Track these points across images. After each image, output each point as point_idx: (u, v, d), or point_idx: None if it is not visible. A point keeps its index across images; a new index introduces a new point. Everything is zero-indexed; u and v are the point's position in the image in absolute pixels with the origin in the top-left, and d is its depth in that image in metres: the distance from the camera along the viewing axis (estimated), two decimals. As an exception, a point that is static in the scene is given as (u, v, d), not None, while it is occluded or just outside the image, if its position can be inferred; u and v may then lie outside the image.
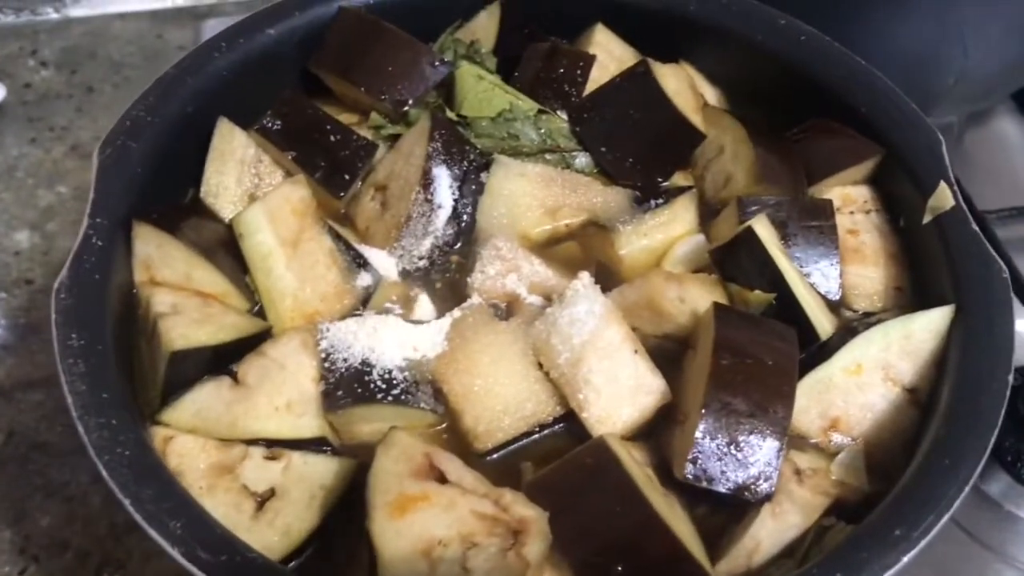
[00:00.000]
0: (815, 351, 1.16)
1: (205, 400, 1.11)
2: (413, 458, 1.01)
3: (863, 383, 1.13)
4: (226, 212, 1.31)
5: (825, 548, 1.01)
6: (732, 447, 1.02)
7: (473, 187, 1.32)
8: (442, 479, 1.00)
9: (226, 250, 1.26)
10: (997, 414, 1.03)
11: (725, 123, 1.37)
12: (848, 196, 1.33)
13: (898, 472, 1.06)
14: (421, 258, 1.29)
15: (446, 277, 1.30)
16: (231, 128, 1.35)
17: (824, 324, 1.17)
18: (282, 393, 1.12)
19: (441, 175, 1.29)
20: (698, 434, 1.02)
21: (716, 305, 1.13)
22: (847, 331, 1.19)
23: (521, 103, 1.39)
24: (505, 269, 1.25)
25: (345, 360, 1.14)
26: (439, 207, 1.29)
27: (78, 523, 1.35)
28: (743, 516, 1.06)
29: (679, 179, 1.40)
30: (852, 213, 1.32)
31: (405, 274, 1.30)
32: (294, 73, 1.45)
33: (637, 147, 1.38)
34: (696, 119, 1.38)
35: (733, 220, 1.25)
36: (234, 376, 1.13)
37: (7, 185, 1.77)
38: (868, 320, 1.21)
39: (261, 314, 1.23)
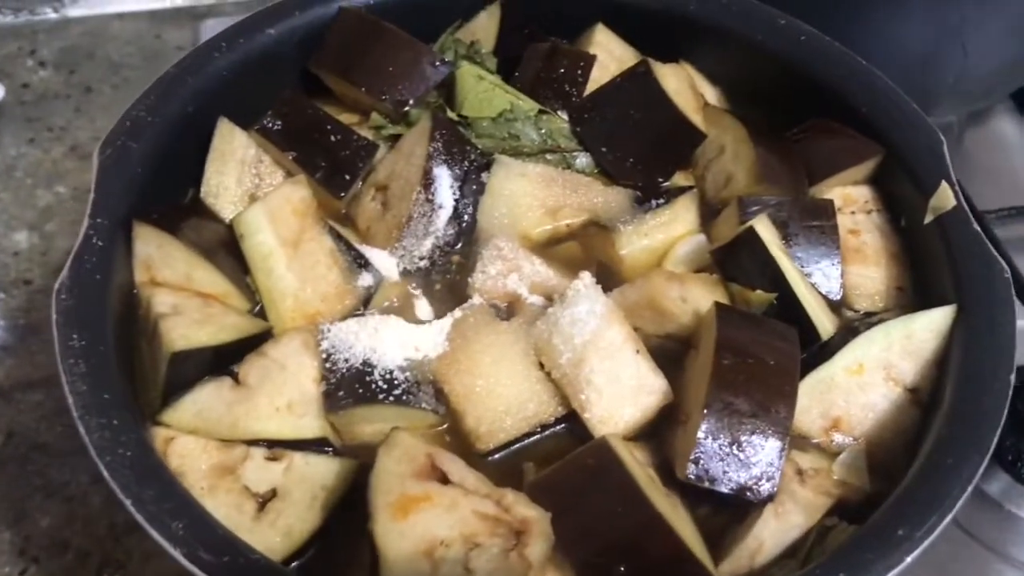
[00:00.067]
0: (816, 351, 1.16)
1: (206, 401, 1.11)
2: (415, 459, 1.01)
3: (864, 383, 1.13)
4: (227, 212, 1.31)
5: (827, 548, 1.01)
6: (734, 447, 1.02)
7: (474, 187, 1.32)
8: (444, 480, 1.00)
9: (227, 250, 1.25)
10: (999, 414, 1.03)
11: (726, 123, 1.37)
12: (849, 196, 1.33)
13: (900, 472, 1.06)
14: (422, 258, 1.29)
15: (447, 277, 1.30)
16: (231, 128, 1.34)
17: (825, 324, 1.17)
18: (283, 394, 1.12)
19: (442, 175, 1.29)
20: (700, 434, 1.02)
21: (718, 305, 1.13)
22: (848, 331, 1.19)
23: (522, 103, 1.39)
24: (506, 269, 1.25)
25: (346, 360, 1.14)
26: (440, 207, 1.28)
27: (78, 523, 1.35)
28: (745, 516, 1.06)
29: (680, 179, 1.40)
30: (853, 213, 1.32)
31: (406, 274, 1.29)
32: (294, 73, 1.45)
33: (638, 147, 1.38)
34: (697, 119, 1.38)
35: (734, 220, 1.25)
36: (235, 377, 1.13)
37: (6, 185, 1.77)
38: (869, 320, 1.21)
39: (262, 314, 1.23)
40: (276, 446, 1.10)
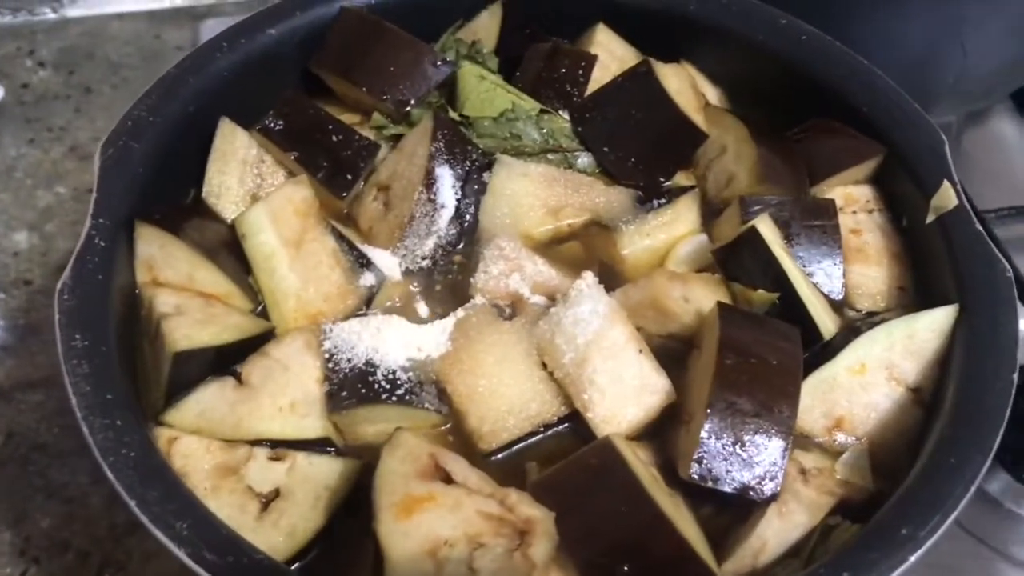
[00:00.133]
0: (818, 351, 1.16)
1: (209, 401, 1.11)
2: (419, 458, 1.01)
3: (867, 382, 1.14)
4: (228, 212, 1.31)
5: (831, 547, 1.01)
6: (737, 447, 1.02)
7: (476, 187, 1.32)
8: (448, 479, 1.00)
9: (229, 250, 1.25)
10: (1002, 413, 1.03)
11: (727, 123, 1.37)
12: (850, 196, 1.33)
13: (902, 471, 1.06)
14: (424, 258, 1.29)
15: (449, 277, 1.30)
16: (233, 128, 1.34)
17: (827, 324, 1.17)
18: (286, 394, 1.12)
19: (444, 175, 1.29)
20: (703, 434, 1.02)
21: (720, 305, 1.13)
22: (850, 331, 1.19)
23: (523, 103, 1.39)
24: (508, 269, 1.25)
25: (349, 360, 1.14)
26: (442, 207, 1.28)
27: (78, 524, 1.34)
28: (748, 516, 1.06)
29: (681, 179, 1.40)
30: (855, 213, 1.32)
31: (408, 274, 1.29)
32: (296, 73, 1.45)
33: (639, 147, 1.38)
34: (698, 119, 1.38)
35: (736, 220, 1.25)
36: (238, 377, 1.13)
37: (5, 186, 1.77)
38: (871, 320, 1.21)
39: (264, 315, 1.23)
40: (279, 446, 1.10)
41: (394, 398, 1.12)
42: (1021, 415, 1.28)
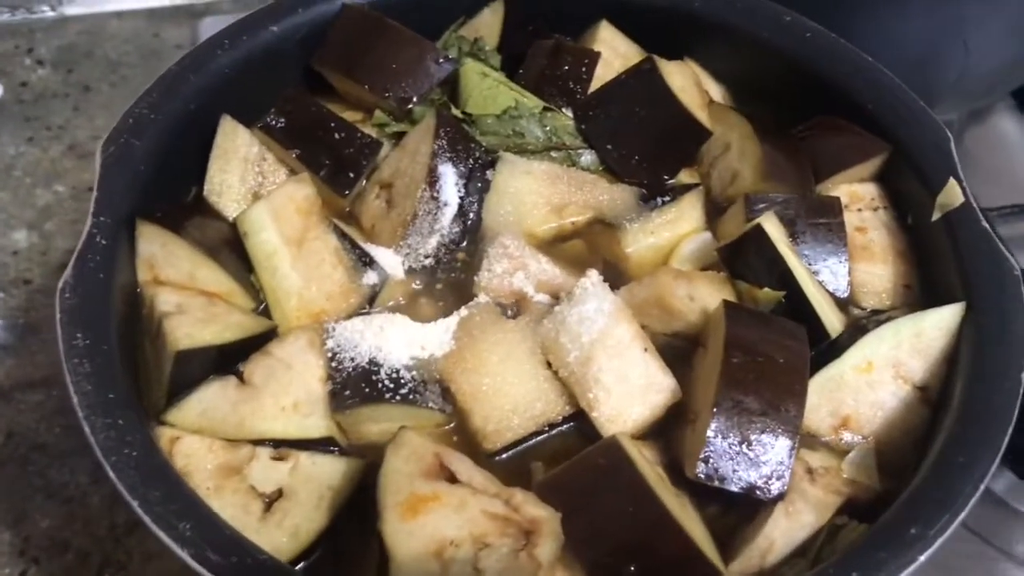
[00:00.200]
0: (825, 349, 1.16)
1: (211, 400, 1.10)
2: (423, 458, 1.00)
3: (874, 381, 1.13)
4: (230, 210, 1.31)
5: (838, 547, 1.00)
6: (744, 446, 1.01)
7: (479, 185, 1.31)
8: (452, 479, 1.00)
9: (230, 249, 1.25)
10: (1011, 412, 1.02)
11: (731, 120, 1.36)
12: (855, 193, 1.33)
13: (909, 470, 1.06)
14: (427, 256, 1.28)
15: (452, 276, 1.29)
16: (235, 126, 1.34)
17: (834, 322, 1.17)
18: (289, 393, 1.11)
19: (447, 173, 1.28)
20: (710, 433, 1.01)
21: (726, 303, 1.12)
22: (856, 329, 1.18)
23: (526, 100, 1.39)
24: (512, 267, 1.24)
25: (352, 359, 1.13)
26: (445, 205, 1.28)
27: (78, 524, 1.34)
28: (755, 516, 1.05)
29: (685, 176, 1.39)
30: (860, 210, 1.31)
31: (411, 272, 1.29)
32: (297, 70, 1.44)
33: (643, 144, 1.37)
34: (702, 116, 1.38)
35: (740, 218, 1.25)
36: (240, 376, 1.12)
37: (4, 184, 1.76)
38: (877, 318, 1.20)
39: (266, 313, 1.22)
40: (282, 446, 1.09)
41: (398, 397, 1.11)
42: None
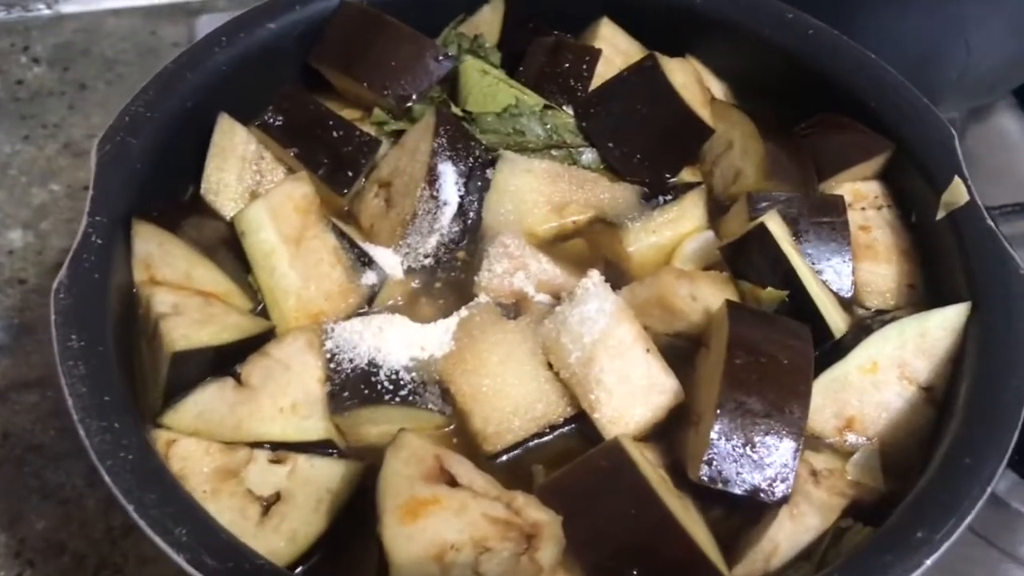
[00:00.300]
0: (828, 349, 1.15)
1: (208, 402, 1.09)
2: (423, 460, 0.99)
3: (878, 381, 1.12)
4: (227, 210, 1.29)
5: (843, 550, 0.99)
6: (748, 448, 1.00)
7: (479, 183, 1.30)
8: (453, 482, 0.99)
9: (228, 248, 1.24)
10: (1017, 412, 1.02)
11: (734, 118, 1.35)
12: (859, 192, 1.32)
13: (914, 472, 1.05)
14: (427, 256, 1.27)
15: (452, 275, 1.28)
16: (232, 124, 1.32)
17: (838, 322, 1.15)
18: (287, 394, 1.10)
19: (447, 171, 1.27)
20: (713, 435, 1.00)
21: (729, 303, 1.11)
22: (861, 329, 1.17)
23: (526, 98, 1.38)
24: (512, 267, 1.23)
25: (351, 360, 1.12)
26: (445, 204, 1.26)
27: (74, 526, 1.33)
28: (759, 518, 1.04)
29: (687, 175, 1.39)
30: (863, 209, 1.31)
31: (411, 272, 1.27)
32: (295, 68, 1.43)
33: (644, 142, 1.36)
34: (704, 114, 1.36)
35: (743, 216, 1.24)
36: (237, 377, 1.11)
37: (0, 183, 1.75)
38: (882, 318, 1.20)
39: (264, 314, 1.21)
40: (280, 448, 1.08)
41: (397, 399, 1.10)
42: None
